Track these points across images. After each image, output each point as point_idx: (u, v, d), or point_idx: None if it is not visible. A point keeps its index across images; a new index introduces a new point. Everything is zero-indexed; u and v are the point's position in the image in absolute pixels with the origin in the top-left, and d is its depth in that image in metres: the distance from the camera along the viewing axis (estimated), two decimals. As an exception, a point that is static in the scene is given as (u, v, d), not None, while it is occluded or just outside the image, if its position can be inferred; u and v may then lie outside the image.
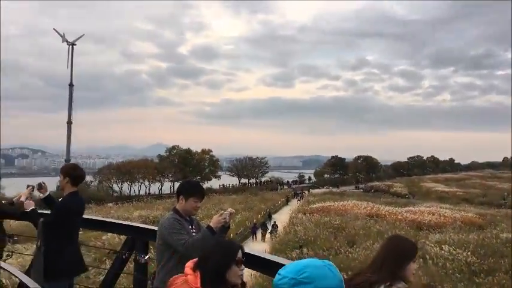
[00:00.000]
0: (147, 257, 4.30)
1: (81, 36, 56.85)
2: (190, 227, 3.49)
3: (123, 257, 4.50)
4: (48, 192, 4.52)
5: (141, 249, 4.37)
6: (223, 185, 78.30)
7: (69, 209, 4.28)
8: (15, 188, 57.81)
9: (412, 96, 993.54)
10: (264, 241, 29.67)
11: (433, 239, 26.48)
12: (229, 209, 3.49)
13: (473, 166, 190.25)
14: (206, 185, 76.44)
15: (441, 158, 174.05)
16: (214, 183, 77.78)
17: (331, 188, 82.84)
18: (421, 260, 20.17)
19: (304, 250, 20.97)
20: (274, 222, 34.12)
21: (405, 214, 37.72)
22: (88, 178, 72.03)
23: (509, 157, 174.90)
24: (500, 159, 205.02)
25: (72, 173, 4.35)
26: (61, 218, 4.21)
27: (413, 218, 35.60)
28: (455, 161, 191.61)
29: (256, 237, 31.24)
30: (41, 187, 4.47)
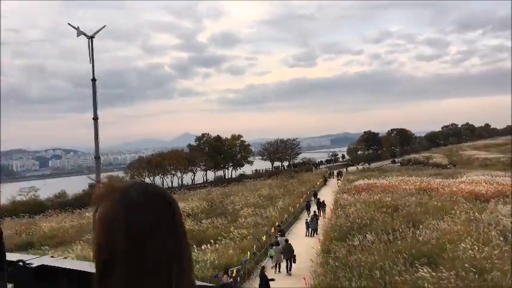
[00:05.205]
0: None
1: (102, 28, 54.86)
2: None
3: None
4: None
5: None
6: (256, 170, 76.45)
7: None
8: (49, 189, 57.75)
9: (440, 64, 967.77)
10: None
11: (502, 210, 23.92)
12: None
13: (510, 130, 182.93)
14: (239, 171, 75.14)
15: (476, 125, 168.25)
16: (247, 169, 76.19)
17: (366, 164, 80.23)
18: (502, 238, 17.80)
19: (368, 236, 18.74)
20: (323, 201, 32.54)
21: (460, 185, 35.11)
22: (120, 174, 71.63)
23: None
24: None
25: None
26: None
27: (470, 189, 32.95)
28: (491, 126, 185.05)
29: (309, 212, 30.39)
30: None
